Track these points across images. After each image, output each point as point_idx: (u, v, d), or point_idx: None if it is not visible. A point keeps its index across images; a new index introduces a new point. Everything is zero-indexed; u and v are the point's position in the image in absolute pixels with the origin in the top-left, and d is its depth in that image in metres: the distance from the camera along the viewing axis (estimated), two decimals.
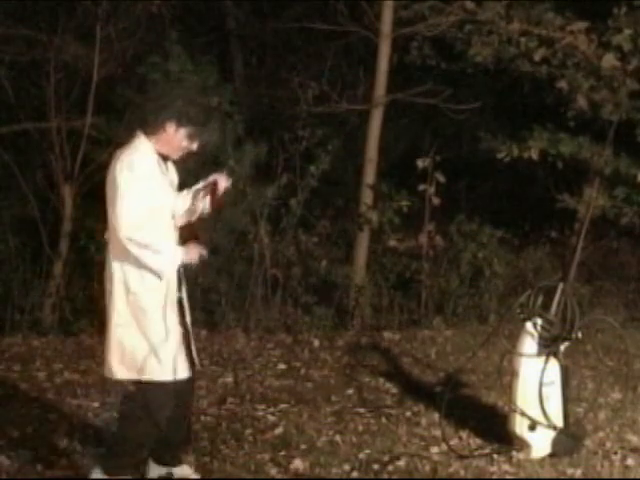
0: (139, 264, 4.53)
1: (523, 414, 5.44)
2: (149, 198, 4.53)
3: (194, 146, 4.75)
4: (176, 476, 4.93)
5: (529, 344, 5.48)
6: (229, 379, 6.85)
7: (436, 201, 9.07)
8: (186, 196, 4.84)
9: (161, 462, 4.94)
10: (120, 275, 4.59)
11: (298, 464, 5.29)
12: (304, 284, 8.81)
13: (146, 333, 4.60)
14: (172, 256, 4.62)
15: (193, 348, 4.80)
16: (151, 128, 4.64)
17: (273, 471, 5.23)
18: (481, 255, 9.27)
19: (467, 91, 10.06)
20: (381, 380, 6.94)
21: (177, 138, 4.66)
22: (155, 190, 4.59)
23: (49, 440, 5.54)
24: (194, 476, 4.99)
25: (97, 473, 4.73)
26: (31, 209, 8.78)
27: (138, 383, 4.67)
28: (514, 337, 5.68)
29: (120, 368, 4.66)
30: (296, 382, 6.85)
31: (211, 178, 4.86)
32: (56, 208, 8.69)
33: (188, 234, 4.84)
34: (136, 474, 4.80)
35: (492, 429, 5.77)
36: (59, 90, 8.60)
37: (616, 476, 5.29)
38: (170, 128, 4.63)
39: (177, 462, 4.99)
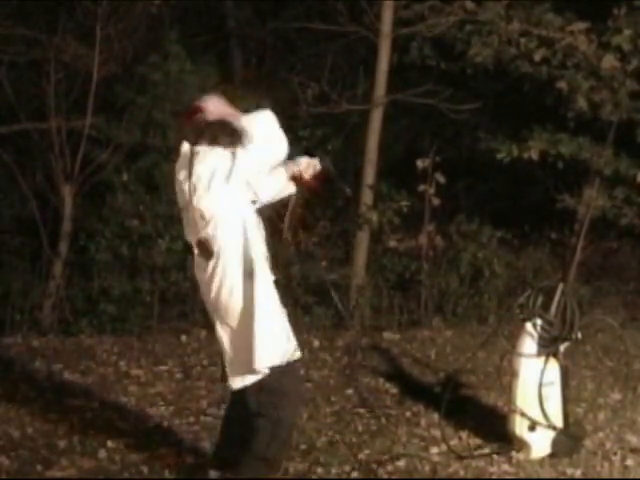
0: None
1: (523, 414, 5.44)
2: None
3: None
4: None
5: (529, 344, 5.48)
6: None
7: (436, 201, 9.07)
8: None
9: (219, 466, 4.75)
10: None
11: (298, 464, 5.29)
12: (304, 284, 8.80)
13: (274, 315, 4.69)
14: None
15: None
16: None
17: None
18: (481, 255, 9.26)
19: (467, 91, 10.05)
20: (381, 380, 6.94)
21: None
22: None
23: (49, 440, 5.54)
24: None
25: None
26: (31, 209, 8.77)
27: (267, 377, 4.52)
28: (514, 337, 5.68)
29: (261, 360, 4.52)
30: None
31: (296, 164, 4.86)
32: (56, 208, 8.68)
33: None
34: None
35: (492, 429, 5.77)
36: (59, 90, 8.60)
37: (616, 476, 5.30)
38: None
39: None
